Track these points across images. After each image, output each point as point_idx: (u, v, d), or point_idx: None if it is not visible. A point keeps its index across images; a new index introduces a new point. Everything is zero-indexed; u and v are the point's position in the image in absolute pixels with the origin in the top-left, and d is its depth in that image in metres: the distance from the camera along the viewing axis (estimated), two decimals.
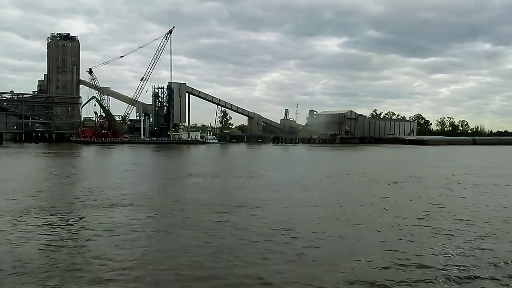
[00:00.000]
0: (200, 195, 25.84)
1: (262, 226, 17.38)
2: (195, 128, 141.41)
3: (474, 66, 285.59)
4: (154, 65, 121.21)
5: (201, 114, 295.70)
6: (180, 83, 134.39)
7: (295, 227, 17.17)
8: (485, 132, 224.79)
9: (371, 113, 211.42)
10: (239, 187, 29.77)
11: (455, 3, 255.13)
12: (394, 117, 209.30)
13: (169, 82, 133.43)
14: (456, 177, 38.51)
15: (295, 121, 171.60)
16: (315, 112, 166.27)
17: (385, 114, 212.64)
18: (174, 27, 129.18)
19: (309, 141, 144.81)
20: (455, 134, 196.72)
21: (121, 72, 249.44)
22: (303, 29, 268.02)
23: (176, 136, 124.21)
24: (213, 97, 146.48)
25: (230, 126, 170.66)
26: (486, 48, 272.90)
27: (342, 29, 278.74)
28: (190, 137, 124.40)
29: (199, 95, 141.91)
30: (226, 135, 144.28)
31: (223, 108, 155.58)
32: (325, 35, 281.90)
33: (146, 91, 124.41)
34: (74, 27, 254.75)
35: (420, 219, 19.34)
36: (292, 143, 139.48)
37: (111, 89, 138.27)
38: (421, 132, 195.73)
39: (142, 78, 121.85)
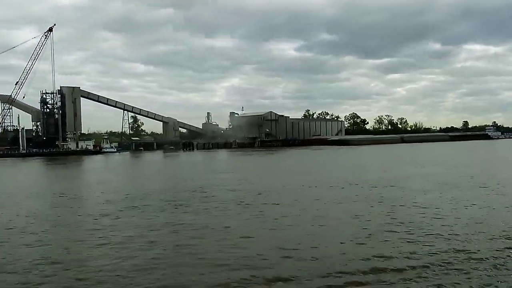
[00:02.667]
0: None
1: None
2: (92, 137, 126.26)
3: (426, 65, 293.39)
4: (31, 67, 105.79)
5: (114, 120, 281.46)
6: (73, 87, 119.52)
7: None
8: (422, 129, 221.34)
9: (303, 114, 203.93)
10: None
11: (403, 5, 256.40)
12: (328, 117, 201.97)
13: (60, 87, 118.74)
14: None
15: (217, 125, 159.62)
16: (236, 114, 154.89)
17: (319, 114, 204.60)
18: (55, 24, 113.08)
19: (225, 146, 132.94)
20: (385, 132, 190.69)
21: (79, 81, 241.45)
22: (258, 33, 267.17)
23: (65, 146, 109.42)
24: (116, 101, 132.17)
25: (143, 133, 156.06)
26: (436, 48, 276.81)
27: (296, 33, 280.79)
28: (80, 146, 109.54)
29: (99, 99, 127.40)
30: (132, 143, 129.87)
31: (132, 114, 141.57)
32: (280, 39, 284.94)
33: (24, 97, 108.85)
34: (24, 36, 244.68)
35: None
36: (206, 149, 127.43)
37: None
38: (357, 132, 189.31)
39: (17, 82, 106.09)
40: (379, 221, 17.55)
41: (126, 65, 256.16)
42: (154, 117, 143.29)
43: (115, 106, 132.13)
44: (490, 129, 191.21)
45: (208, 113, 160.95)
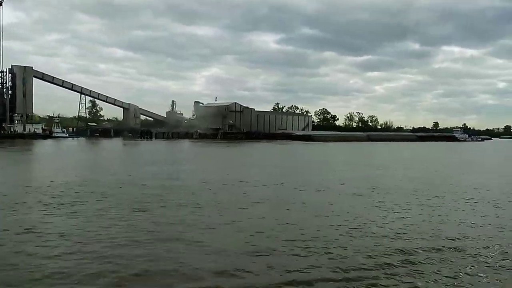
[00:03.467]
0: None
1: None
2: (46, 120, 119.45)
3: (405, 64, 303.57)
4: None
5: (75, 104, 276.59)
6: (25, 67, 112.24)
7: None
8: (392, 128, 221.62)
9: (273, 107, 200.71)
10: None
11: (384, 4, 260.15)
12: (298, 111, 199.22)
13: (12, 66, 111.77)
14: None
15: (182, 114, 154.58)
16: (201, 104, 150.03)
17: (288, 108, 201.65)
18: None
19: (186, 136, 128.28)
20: (353, 130, 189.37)
21: (56, 63, 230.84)
22: (240, 24, 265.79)
23: (12, 129, 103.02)
24: (73, 84, 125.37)
25: (101, 118, 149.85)
26: (415, 48, 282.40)
27: (278, 26, 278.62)
28: (28, 130, 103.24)
29: (54, 81, 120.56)
30: (87, 128, 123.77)
31: (91, 98, 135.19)
32: (262, 31, 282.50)
33: None
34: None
35: None
36: (165, 138, 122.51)
37: None
38: (326, 128, 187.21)
39: None
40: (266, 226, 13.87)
41: (104, 49, 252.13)
42: (114, 102, 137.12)
43: (71, 89, 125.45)
44: (458, 131, 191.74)
45: (172, 101, 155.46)
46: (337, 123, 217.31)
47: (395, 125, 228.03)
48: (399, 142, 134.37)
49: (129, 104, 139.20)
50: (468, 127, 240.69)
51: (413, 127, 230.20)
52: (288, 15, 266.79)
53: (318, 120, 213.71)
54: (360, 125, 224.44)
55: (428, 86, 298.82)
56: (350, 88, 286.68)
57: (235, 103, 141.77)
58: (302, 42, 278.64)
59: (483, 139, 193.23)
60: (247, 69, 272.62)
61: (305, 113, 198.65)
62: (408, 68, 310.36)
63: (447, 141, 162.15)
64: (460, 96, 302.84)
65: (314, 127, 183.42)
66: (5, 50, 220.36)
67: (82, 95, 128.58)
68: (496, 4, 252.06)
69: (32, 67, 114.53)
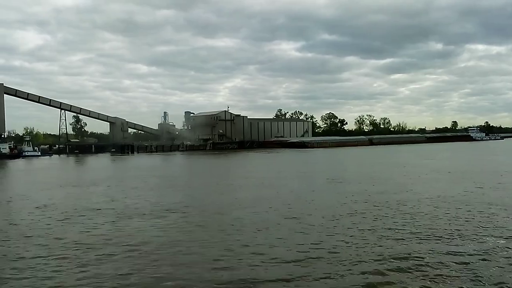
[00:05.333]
0: None
1: None
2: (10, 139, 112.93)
3: (429, 65, 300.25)
4: None
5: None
6: None
7: None
8: (406, 130, 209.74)
9: (275, 114, 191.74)
10: None
11: (402, 5, 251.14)
12: (302, 117, 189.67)
13: None
14: None
15: (174, 125, 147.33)
16: (191, 114, 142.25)
17: (291, 114, 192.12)
18: None
19: (171, 148, 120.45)
20: (363, 134, 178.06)
21: (82, 82, 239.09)
22: (260, 34, 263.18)
23: None
24: (50, 99, 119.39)
25: (88, 134, 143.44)
26: (439, 48, 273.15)
27: (297, 34, 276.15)
28: None
29: (28, 97, 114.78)
30: (66, 146, 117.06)
31: (74, 114, 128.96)
32: (282, 40, 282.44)
33: None
34: (27, 38, 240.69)
35: None
36: (148, 152, 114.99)
37: None
38: (334, 133, 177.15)
39: None
40: None
41: (128, 65, 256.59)
42: (98, 117, 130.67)
43: (49, 105, 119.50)
44: (473, 129, 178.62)
45: (164, 112, 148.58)
46: (346, 127, 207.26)
47: (417, 127, 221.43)
48: (403, 145, 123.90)
49: (115, 117, 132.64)
50: (494, 125, 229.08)
51: (437, 128, 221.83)
52: (306, 22, 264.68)
53: (325, 125, 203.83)
54: (372, 128, 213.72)
55: (454, 85, 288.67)
56: (374, 92, 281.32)
57: (225, 111, 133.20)
58: (322, 48, 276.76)
59: (502, 137, 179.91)
60: (270, 78, 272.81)
61: (309, 118, 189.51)
62: (432, 69, 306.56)
63: (461, 141, 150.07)
64: (488, 94, 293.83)
65: (319, 133, 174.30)
66: (33, 72, 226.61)
67: (63, 111, 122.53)
68: None
69: (3, 83, 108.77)
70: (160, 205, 24.49)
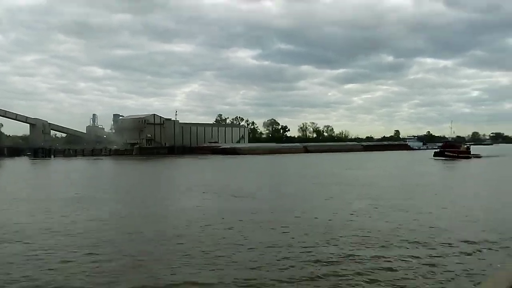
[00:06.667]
0: None
1: None
2: None
3: (381, 76, 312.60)
4: None
5: None
6: None
7: None
8: (348, 138, 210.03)
9: (215, 119, 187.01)
10: None
11: (355, 18, 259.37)
12: (243, 123, 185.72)
13: None
14: None
15: (103, 128, 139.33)
16: (120, 117, 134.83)
17: (232, 120, 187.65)
18: None
19: (93, 152, 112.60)
20: (306, 141, 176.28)
21: (35, 83, 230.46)
22: (217, 41, 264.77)
23: None
24: None
25: (10, 136, 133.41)
26: (390, 60, 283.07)
27: (254, 42, 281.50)
28: None
29: None
30: None
31: None
32: (239, 47, 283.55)
33: None
34: None
35: None
36: (66, 156, 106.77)
37: None
38: (277, 139, 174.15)
39: None
40: None
41: (83, 68, 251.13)
42: (16, 118, 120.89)
43: None
44: (411, 139, 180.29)
45: (93, 114, 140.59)
46: (289, 134, 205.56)
47: (364, 135, 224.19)
48: (338, 153, 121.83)
49: (35, 119, 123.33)
50: (438, 135, 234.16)
51: (384, 136, 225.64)
52: (263, 31, 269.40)
53: (268, 131, 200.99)
54: (315, 135, 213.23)
55: (404, 96, 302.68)
56: (329, 100, 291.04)
57: (154, 114, 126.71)
58: (278, 57, 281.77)
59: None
60: (227, 85, 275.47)
61: (250, 124, 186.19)
62: (383, 80, 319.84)
63: (399, 150, 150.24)
64: (435, 105, 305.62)
65: (260, 140, 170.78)
66: None
67: None
68: (463, 16, 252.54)
69: None
70: None
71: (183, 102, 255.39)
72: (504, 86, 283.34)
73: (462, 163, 74.42)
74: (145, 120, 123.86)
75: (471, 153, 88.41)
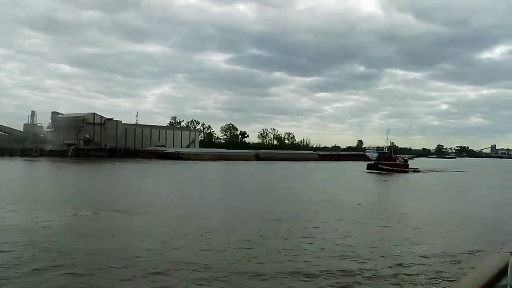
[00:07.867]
0: None
1: None
2: None
3: (352, 86, 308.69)
4: None
5: None
6: None
7: None
8: (310, 147, 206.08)
9: (169, 121, 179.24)
10: None
11: (328, 27, 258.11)
12: (199, 127, 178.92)
13: None
14: None
15: (42, 127, 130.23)
16: (59, 115, 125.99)
17: (186, 123, 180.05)
18: None
19: (22, 153, 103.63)
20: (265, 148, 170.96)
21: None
22: (189, 43, 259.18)
23: None
24: None
25: None
26: (361, 70, 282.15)
27: (226, 46, 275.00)
28: None
29: None
30: None
31: None
32: (212, 50, 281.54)
33: None
34: None
35: None
36: None
37: None
38: (232, 145, 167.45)
39: None
40: None
41: (50, 65, 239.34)
42: None
43: None
44: (370, 150, 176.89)
45: (32, 111, 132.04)
46: (248, 140, 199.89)
47: (334, 144, 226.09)
48: (291, 162, 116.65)
49: None
50: (405, 147, 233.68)
51: (348, 146, 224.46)
52: (235, 35, 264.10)
53: (225, 136, 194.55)
54: (275, 142, 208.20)
55: (375, 107, 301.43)
56: (301, 108, 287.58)
57: (94, 114, 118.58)
58: (251, 62, 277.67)
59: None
60: (199, 88, 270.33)
61: (206, 128, 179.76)
62: (354, 90, 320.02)
63: (356, 160, 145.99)
64: (405, 117, 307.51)
65: (216, 145, 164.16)
66: None
67: None
68: (433, 29, 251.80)
69: None
70: None
71: (153, 104, 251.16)
72: (471, 100, 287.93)
73: (391, 179, 64.54)
74: (83, 119, 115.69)
75: (409, 167, 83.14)
